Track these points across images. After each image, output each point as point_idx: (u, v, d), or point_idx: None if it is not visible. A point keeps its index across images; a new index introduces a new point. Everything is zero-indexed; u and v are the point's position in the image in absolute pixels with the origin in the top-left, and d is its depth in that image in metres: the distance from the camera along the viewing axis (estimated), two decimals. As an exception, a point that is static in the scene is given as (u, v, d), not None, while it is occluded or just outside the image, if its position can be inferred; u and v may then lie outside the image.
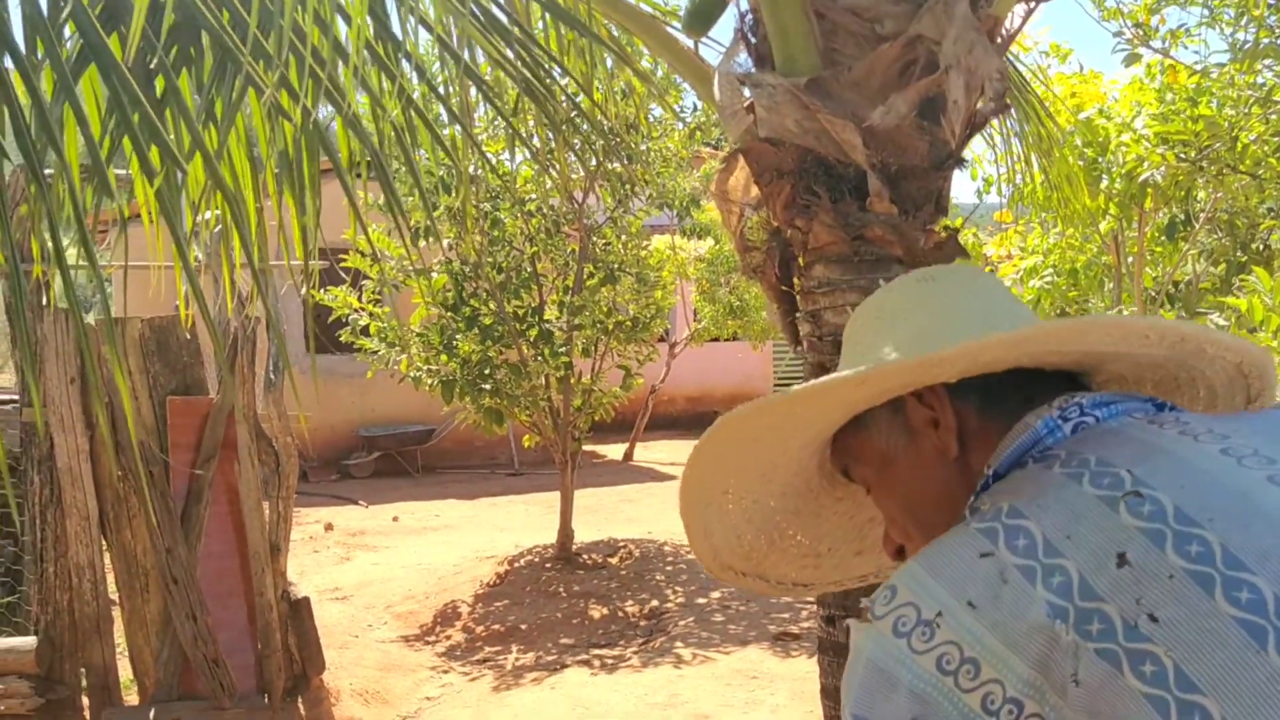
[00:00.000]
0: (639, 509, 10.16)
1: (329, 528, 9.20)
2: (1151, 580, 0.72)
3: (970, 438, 0.97)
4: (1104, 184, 4.59)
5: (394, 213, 1.89)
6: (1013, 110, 3.41)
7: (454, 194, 6.74)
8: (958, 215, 6.16)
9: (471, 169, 7.12)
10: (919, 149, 2.24)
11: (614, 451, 13.90)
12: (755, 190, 2.50)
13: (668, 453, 14.09)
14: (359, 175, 2.53)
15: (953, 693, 0.75)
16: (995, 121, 3.74)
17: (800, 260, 2.47)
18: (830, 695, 2.49)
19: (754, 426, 1.01)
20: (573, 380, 7.44)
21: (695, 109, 7.84)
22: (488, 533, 8.96)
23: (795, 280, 2.53)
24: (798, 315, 2.52)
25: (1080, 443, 0.87)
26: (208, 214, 2.81)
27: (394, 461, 12.61)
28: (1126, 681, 0.70)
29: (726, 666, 5.46)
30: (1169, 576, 0.72)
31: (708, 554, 1.17)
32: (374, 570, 7.78)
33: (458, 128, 2.68)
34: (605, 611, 6.65)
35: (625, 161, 7.00)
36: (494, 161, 7.10)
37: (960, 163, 2.38)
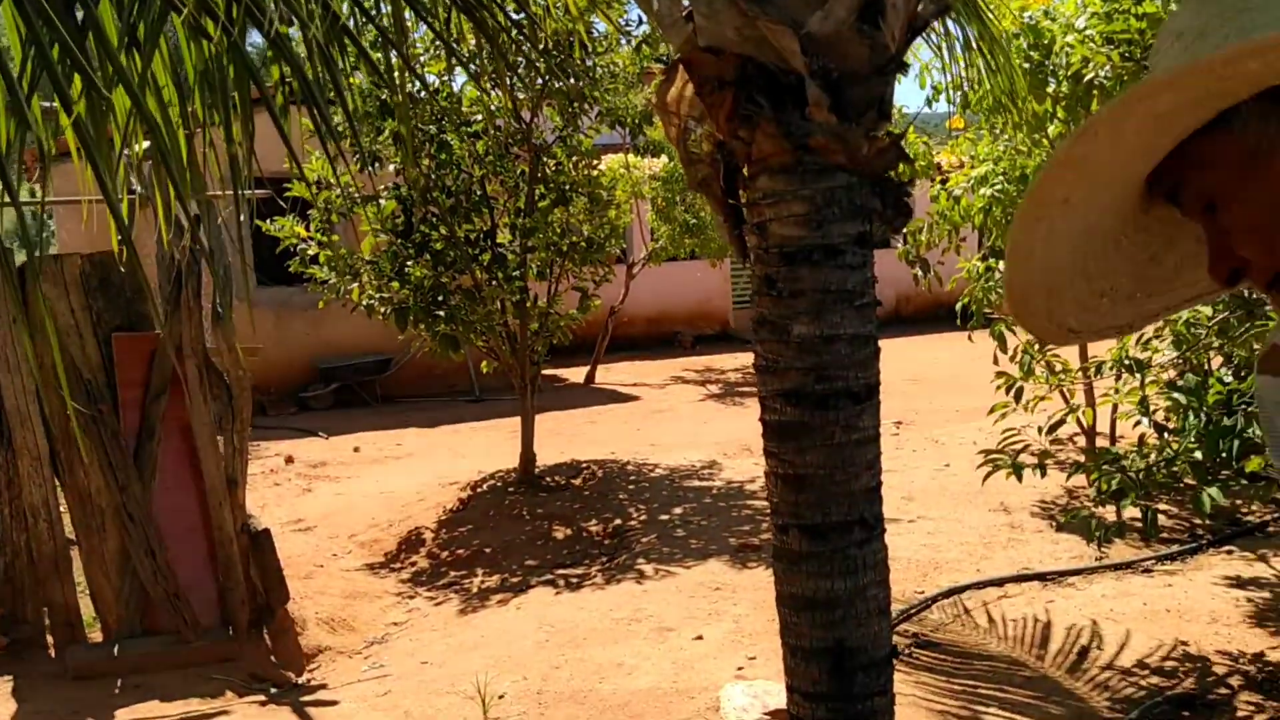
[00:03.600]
0: (601, 430, 10.20)
1: (289, 460, 9.16)
2: None
3: None
4: (1050, 87, 4.57)
5: (324, 139, 1.83)
6: (956, 12, 3.36)
7: (398, 118, 6.61)
8: (908, 121, 6.12)
9: (416, 91, 6.97)
10: (859, 54, 2.20)
11: (575, 374, 13.90)
12: (699, 102, 2.46)
13: (629, 373, 14.12)
14: (294, 102, 2.45)
15: None
16: (941, 26, 3.69)
17: (745, 172, 2.44)
18: (785, 601, 2.53)
19: (1155, 105, 0.87)
20: (529, 304, 7.40)
21: (641, 23, 7.68)
22: (450, 459, 8.97)
23: (741, 192, 2.50)
24: (745, 227, 2.51)
25: None
26: (139, 145, 2.72)
27: (352, 392, 12.55)
28: None
29: (689, 580, 5.53)
30: None
31: (1019, 281, 1.07)
32: (336, 500, 7.78)
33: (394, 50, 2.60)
34: (569, 532, 6.71)
35: (571, 78, 6.88)
36: (436, 83, 6.95)
37: (902, 67, 2.36)
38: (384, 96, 6.53)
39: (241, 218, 2.28)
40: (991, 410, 4.45)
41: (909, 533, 6.13)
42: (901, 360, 11.51)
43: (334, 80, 1.92)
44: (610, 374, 13.95)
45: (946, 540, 5.92)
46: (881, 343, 2.52)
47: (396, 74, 3.13)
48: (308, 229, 7.12)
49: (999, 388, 4.53)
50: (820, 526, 2.42)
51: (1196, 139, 0.91)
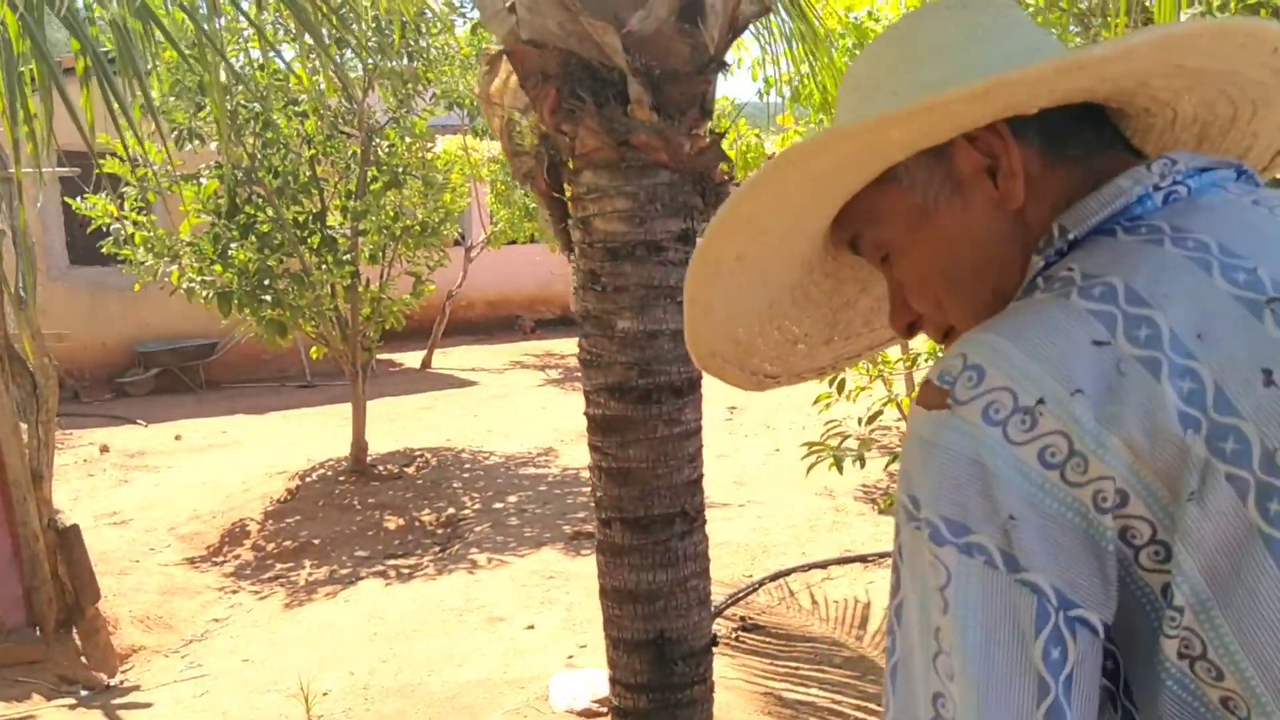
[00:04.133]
0: (437, 416, 10.05)
1: (105, 449, 8.71)
2: None
3: (1032, 186, 0.83)
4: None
5: (114, 116, 1.74)
6: (783, 11, 3.43)
7: (210, 97, 6.33)
8: (737, 112, 6.23)
9: (240, 68, 6.71)
10: (680, 53, 2.22)
11: (412, 359, 13.65)
12: (523, 94, 2.44)
13: (468, 359, 13.95)
14: (96, 75, 2.32)
15: (1059, 488, 0.66)
16: (768, 22, 3.77)
17: (570, 165, 2.44)
18: (608, 595, 2.55)
19: (813, 167, 0.84)
20: (360, 288, 7.22)
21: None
22: (279, 448, 8.69)
23: (566, 186, 2.50)
24: (569, 221, 2.50)
25: (1182, 216, 0.75)
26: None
27: (175, 378, 11.99)
28: (1249, 515, 0.64)
29: (522, 568, 5.52)
30: None
31: (704, 335, 1.03)
32: (155, 492, 7.44)
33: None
34: (401, 522, 6.60)
35: (404, 59, 6.73)
36: (260, 60, 6.69)
37: (723, 67, 2.39)
38: (203, 75, 6.24)
39: (40, 199, 2.15)
40: (816, 400, 4.58)
41: (739, 517, 6.28)
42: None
43: (129, 57, 1.83)
44: (448, 359, 13.75)
45: (774, 524, 6.08)
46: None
47: (207, 52, 2.99)
48: (122, 208, 6.76)
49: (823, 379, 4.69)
50: (643, 520, 2.45)
51: (868, 192, 0.89)
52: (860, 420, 4.30)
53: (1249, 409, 0.64)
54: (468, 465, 7.75)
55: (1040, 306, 0.72)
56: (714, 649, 2.61)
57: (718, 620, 4.70)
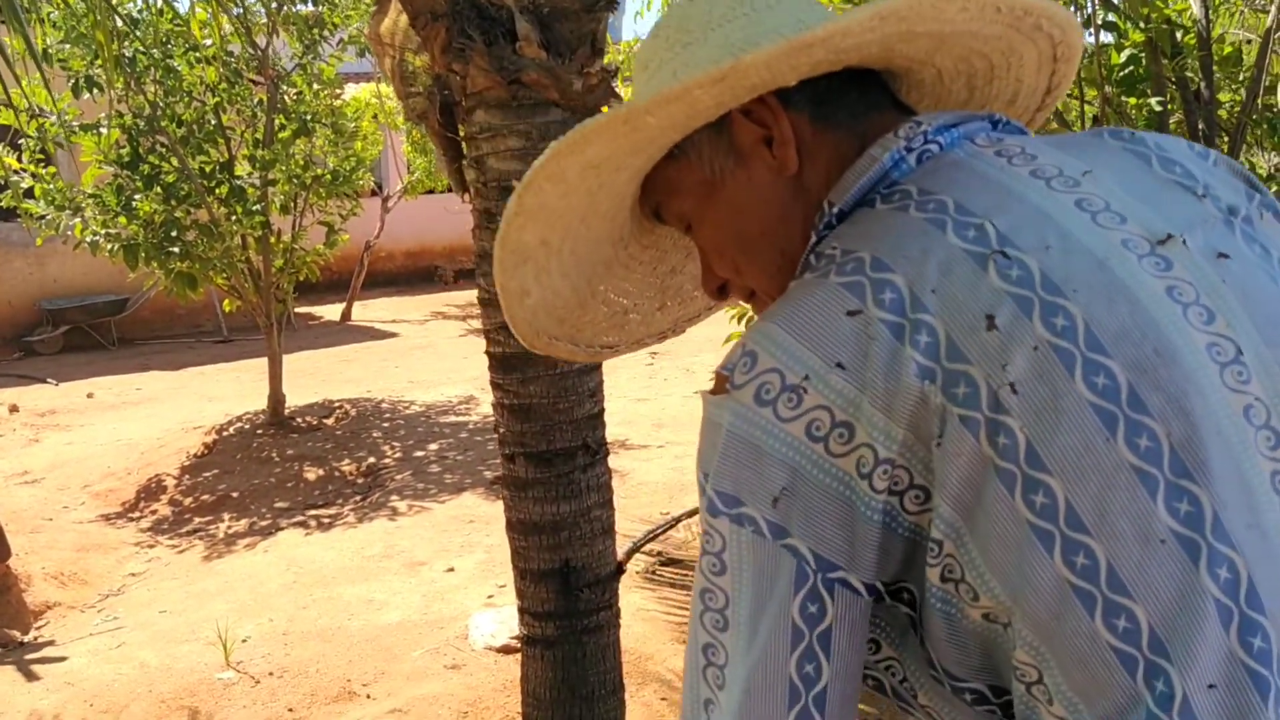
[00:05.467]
0: (358, 369, 9.99)
1: (13, 409, 8.52)
2: (1017, 349, 0.69)
3: (806, 152, 0.88)
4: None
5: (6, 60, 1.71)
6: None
7: (122, 41, 6.16)
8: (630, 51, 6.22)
9: (138, 12, 6.52)
10: (568, -10, 2.24)
11: (331, 312, 13.51)
12: (414, 34, 2.44)
13: (388, 310, 13.84)
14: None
15: (824, 459, 0.72)
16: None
17: (463, 104, 2.45)
18: (514, 528, 2.61)
19: (584, 158, 0.87)
20: (272, 239, 7.11)
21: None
22: (195, 403, 8.58)
23: (459, 126, 2.51)
24: (464, 162, 2.52)
25: (930, 177, 0.81)
26: None
27: (85, 335, 11.73)
28: (983, 450, 0.69)
29: (443, 514, 5.57)
30: (1034, 348, 0.69)
31: (523, 320, 1.05)
32: (68, 450, 7.32)
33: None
34: (321, 473, 6.59)
35: (308, 2, 6.60)
36: (159, 4, 6.51)
37: (613, 5, 2.41)
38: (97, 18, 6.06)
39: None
40: (726, 341, 4.67)
41: (658, 458, 6.38)
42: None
43: (9, 2, 1.79)
44: (369, 311, 13.63)
45: (693, 463, 6.16)
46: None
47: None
48: (20, 160, 6.57)
49: (732, 318, 4.74)
50: (545, 453, 2.50)
51: (662, 168, 0.94)
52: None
53: (975, 354, 0.70)
54: (388, 415, 7.74)
55: (804, 288, 0.77)
56: (620, 576, 2.68)
57: (636, 556, 4.80)
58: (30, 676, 3.96)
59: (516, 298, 1.03)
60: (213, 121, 6.81)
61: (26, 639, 4.47)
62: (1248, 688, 0.66)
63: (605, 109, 2.47)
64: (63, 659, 4.11)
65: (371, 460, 6.71)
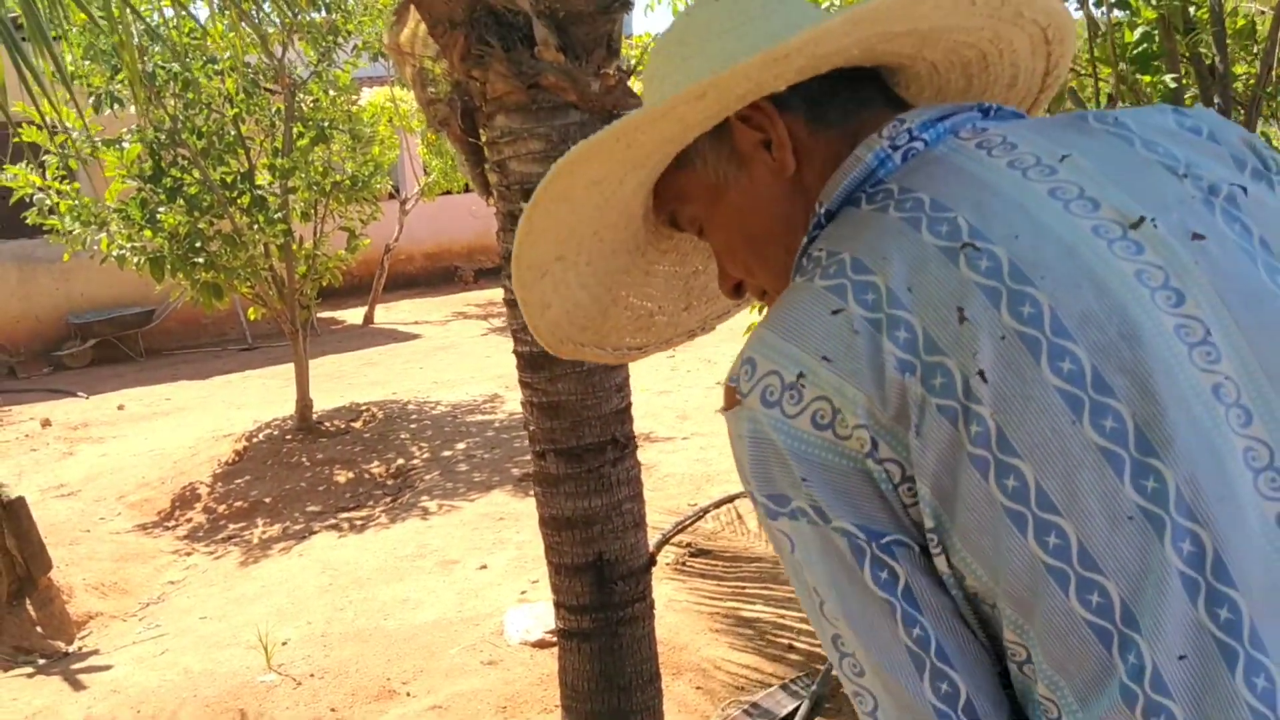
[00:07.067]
0: (382, 371, 10.07)
1: (46, 424, 8.64)
2: (986, 339, 0.72)
3: (803, 152, 0.91)
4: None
5: (26, 84, 1.76)
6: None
7: (142, 55, 6.23)
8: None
9: (155, 26, 6.59)
10: (582, -7, 2.28)
11: (354, 316, 13.60)
12: (433, 42, 2.48)
13: (410, 312, 13.93)
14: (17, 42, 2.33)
15: (834, 444, 0.76)
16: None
17: (483, 110, 2.49)
18: (547, 524, 2.65)
19: (586, 175, 0.91)
20: (294, 246, 7.19)
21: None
22: (224, 411, 8.68)
23: (481, 131, 2.55)
24: (486, 166, 2.56)
25: (911, 176, 0.84)
26: None
27: (113, 348, 11.87)
28: (958, 437, 0.72)
29: (473, 512, 5.62)
30: (1001, 337, 0.72)
31: (546, 330, 1.09)
32: (102, 462, 7.42)
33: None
34: (351, 475, 6.66)
35: (322, 11, 6.66)
36: (175, 18, 6.58)
37: (627, 5, 2.44)
38: (119, 36, 6.13)
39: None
40: (748, 330, 4.69)
41: (683, 449, 6.42)
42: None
43: (35, 21, 1.85)
44: (391, 313, 13.73)
45: (717, 454, 6.22)
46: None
47: (115, 11, 2.97)
48: (44, 177, 6.66)
49: (753, 309, 4.80)
50: (575, 450, 2.55)
51: (670, 175, 0.97)
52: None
53: (949, 345, 0.73)
54: (414, 416, 7.80)
55: (792, 293, 0.81)
56: (652, 568, 2.72)
57: (666, 548, 4.84)
58: (77, 686, 4.04)
59: (538, 310, 1.07)
60: (232, 132, 6.89)
61: (71, 649, 4.56)
62: (1215, 658, 0.67)
63: (620, 111, 2.51)
64: (107, 667, 4.19)
65: (400, 461, 6.78)
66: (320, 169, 7.21)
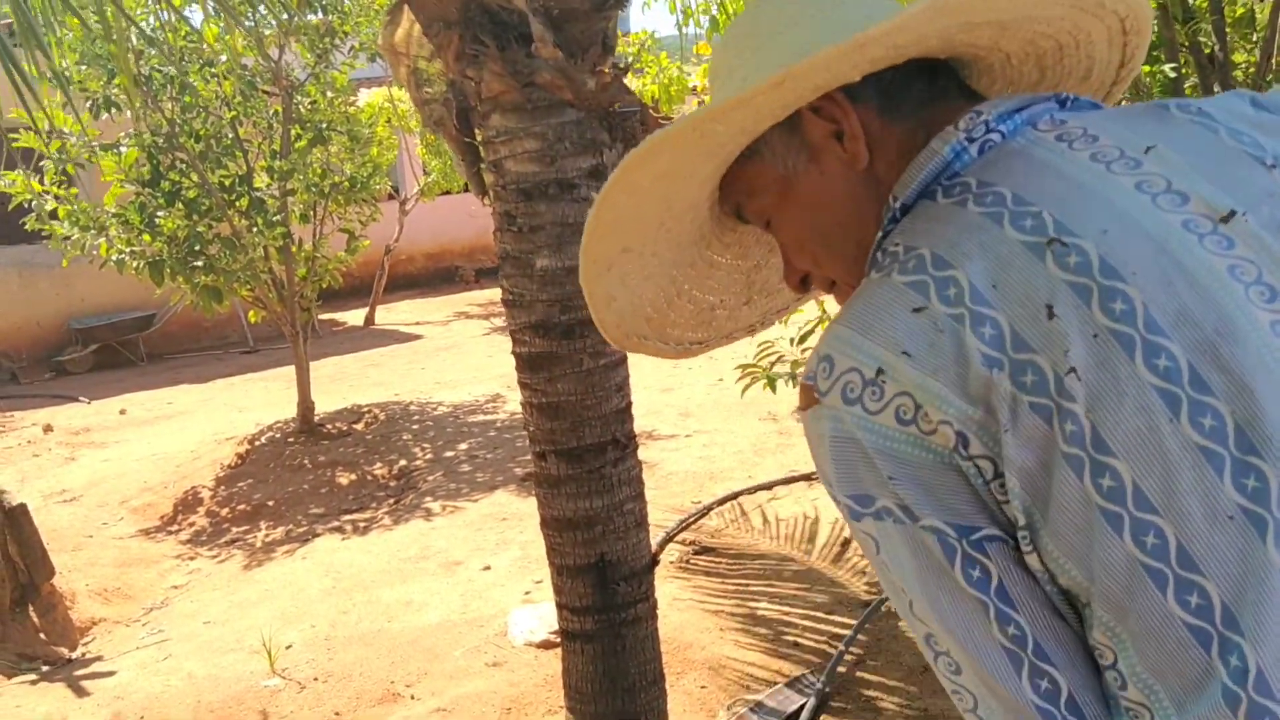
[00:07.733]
0: (384, 373, 10.06)
1: (48, 429, 8.63)
2: (1078, 336, 0.71)
3: (875, 144, 0.90)
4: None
5: (19, 90, 1.75)
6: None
7: (138, 59, 6.22)
8: (661, 49, 6.23)
9: (152, 31, 6.58)
10: (577, -9, 2.26)
11: (355, 317, 13.59)
12: (428, 42, 2.47)
13: (411, 312, 13.92)
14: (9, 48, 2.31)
15: (920, 438, 0.74)
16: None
17: (479, 109, 2.48)
18: (549, 524, 2.64)
19: (655, 168, 0.90)
20: (294, 248, 7.18)
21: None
22: (225, 414, 8.67)
23: (476, 130, 2.54)
24: (482, 165, 2.55)
25: (990, 169, 0.82)
26: None
27: (114, 352, 11.86)
28: (1053, 436, 0.71)
29: (476, 513, 5.61)
30: (1094, 335, 0.71)
31: (612, 323, 1.08)
32: (104, 467, 7.41)
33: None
34: (353, 477, 6.65)
35: (319, 13, 6.64)
36: (171, 21, 6.57)
37: (622, 3, 2.43)
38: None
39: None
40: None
41: (686, 447, 6.41)
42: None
43: (28, 27, 1.83)
44: (392, 314, 13.72)
45: (721, 451, 6.21)
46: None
47: (109, 17, 2.96)
48: (42, 182, 6.65)
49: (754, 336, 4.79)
50: (576, 450, 2.53)
51: (738, 168, 0.96)
52: (792, 341, 4.40)
53: (1039, 342, 0.72)
54: (416, 417, 7.79)
55: (870, 289, 0.80)
56: (655, 568, 2.71)
57: (670, 546, 4.83)
58: (80, 692, 4.02)
59: (603, 302, 1.06)
60: (230, 135, 6.87)
61: (74, 656, 4.55)
62: None
63: (618, 105, 2.49)
64: (111, 673, 4.18)
65: (403, 463, 6.77)
66: (319, 170, 7.20)
